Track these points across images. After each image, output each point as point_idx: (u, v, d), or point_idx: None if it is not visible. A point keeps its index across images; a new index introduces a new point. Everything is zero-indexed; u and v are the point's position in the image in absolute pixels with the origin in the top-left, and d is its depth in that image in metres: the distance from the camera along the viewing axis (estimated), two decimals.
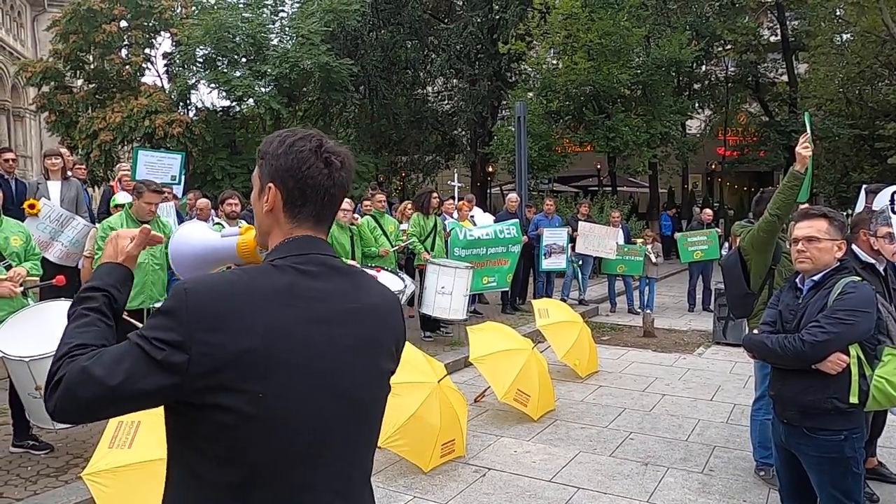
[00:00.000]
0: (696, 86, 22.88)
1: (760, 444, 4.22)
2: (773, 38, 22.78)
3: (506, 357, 5.42)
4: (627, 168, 18.92)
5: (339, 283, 1.29)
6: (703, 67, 23.09)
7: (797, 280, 2.93)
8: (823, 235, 2.78)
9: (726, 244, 10.66)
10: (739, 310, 4.19)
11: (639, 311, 10.66)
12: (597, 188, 21.72)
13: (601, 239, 10.50)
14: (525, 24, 17.45)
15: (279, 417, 1.17)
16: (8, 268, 4.26)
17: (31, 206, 6.05)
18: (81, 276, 5.50)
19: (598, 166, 22.25)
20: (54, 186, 6.59)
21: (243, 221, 6.65)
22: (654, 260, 10.55)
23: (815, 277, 2.81)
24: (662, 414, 5.68)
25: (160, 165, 8.26)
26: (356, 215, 7.48)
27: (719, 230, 11.45)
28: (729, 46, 21.72)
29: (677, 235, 11.17)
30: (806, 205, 3.52)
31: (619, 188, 21.31)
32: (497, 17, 19.43)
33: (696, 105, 22.70)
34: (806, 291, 2.85)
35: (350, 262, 6.83)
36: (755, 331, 3.29)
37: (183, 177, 8.60)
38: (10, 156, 6.80)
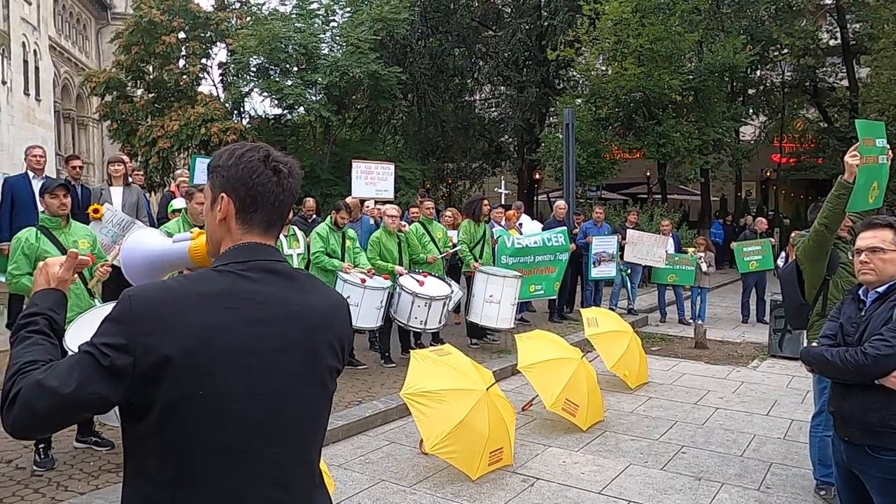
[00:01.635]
0: (750, 91, 22.31)
1: (820, 461, 4.07)
2: (832, 42, 22.03)
3: (554, 366, 5.37)
4: (678, 175, 18.56)
5: (279, 286, 1.34)
6: (759, 72, 22.48)
7: (860, 291, 2.82)
8: (888, 246, 2.68)
9: (783, 254, 10.34)
10: (796, 320, 4.15)
11: (689, 321, 10.43)
12: (646, 196, 21.38)
13: (650, 247, 10.32)
14: (574, 30, 17.34)
15: (214, 415, 1.24)
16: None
17: (96, 211, 6.30)
18: None
19: (648, 173, 21.90)
20: (116, 192, 6.84)
21: (295, 228, 6.79)
22: (704, 269, 10.30)
23: (880, 289, 2.70)
24: (716, 428, 5.53)
25: None
26: (403, 222, 7.54)
27: (773, 240, 11.12)
28: (785, 51, 21.09)
29: (734, 245, 10.87)
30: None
31: (669, 196, 20.91)
32: (545, 23, 19.38)
33: (751, 111, 22.15)
34: (869, 304, 2.74)
35: (398, 268, 6.92)
36: (814, 343, 3.18)
37: None
38: (77, 163, 7.11)
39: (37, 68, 26.76)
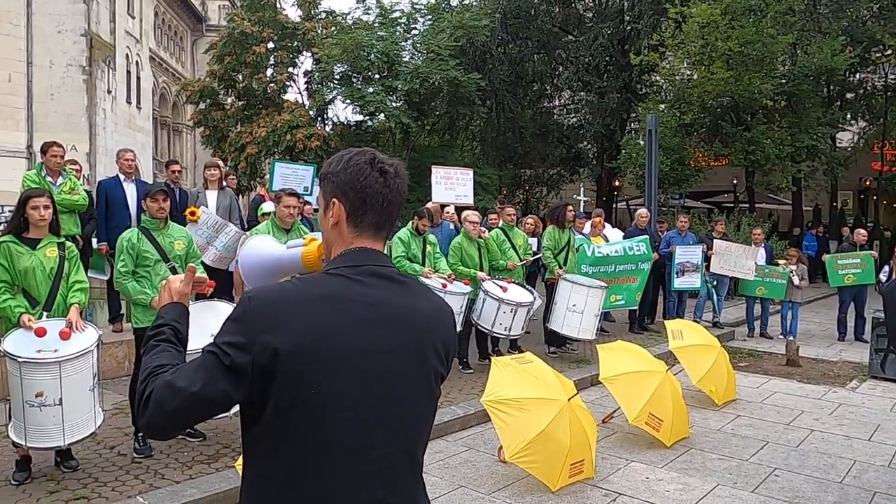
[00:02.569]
0: (849, 95, 21.02)
1: None
2: None
3: (638, 378, 5.22)
4: (768, 184, 17.72)
5: (388, 289, 1.38)
6: (858, 75, 21.13)
7: None
8: None
9: (886, 268, 9.68)
10: None
11: (772, 336, 9.93)
12: (732, 204, 20.50)
13: (738, 258, 9.88)
14: (659, 34, 16.88)
15: (326, 415, 1.28)
16: (172, 269, 4.67)
17: (192, 214, 6.63)
18: (234, 278, 5.92)
19: (735, 181, 21.00)
20: (211, 195, 7.17)
21: None
22: (797, 283, 9.77)
23: None
24: (811, 451, 5.22)
25: (294, 177, 8.75)
26: (483, 228, 7.53)
27: (874, 253, 10.42)
28: (889, 52, 19.77)
29: (826, 257, 10.27)
30: None
31: (757, 205, 19.99)
32: (629, 28, 18.97)
33: (849, 116, 20.86)
34: None
35: (481, 273, 6.92)
36: None
37: (314, 188, 9.02)
38: (176, 167, 7.50)
39: (138, 78, 28.54)
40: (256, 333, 1.25)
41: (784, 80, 15.74)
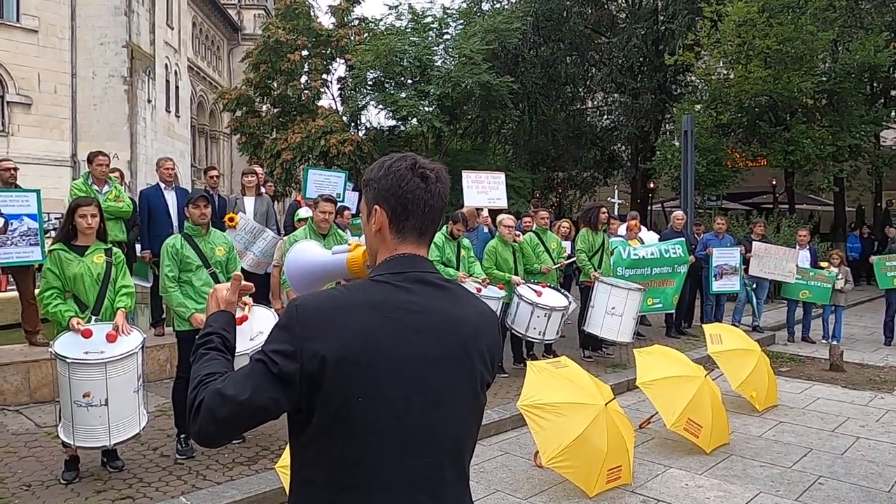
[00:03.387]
0: (893, 92, 20.43)
1: None
2: None
3: (676, 383, 5.15)
4: (809, 184, 17.31)
5: (433, 296, 1.38)
6: None
7: None
8: None
9: None
10: None
11: (814, 340, 9.68)
12: (771, 206, 20.07)
13: (778, 261, 9.67)
14: (694, 33, 16.64)
15: (372, 422, 1.28)
16: (212, 275, 4.77)
17: (231, 220, 6.77)
18: (271, 283, 6.02)
19: (774, 182, 20.56)
20: (249, 202, 7.30)
21: None
22: (839, 286, 9.51)
23: None
24: (857, 459, 5.08)
25: (327, 183, 8.84)
26: (518, 232, 7.51)
27: None
28: None
29: (874, 259, 9.98)
30: None
31: (797, 206, 19.53)
32: (663, 28, 18.75)
33: (893, 114, 20.25)
34: None
35: (515, 277, 6.91)
36: None
37: (345, 194, 9.09)
38: (214, 173, 7.67)
39: (177, 87, 29.21)
40: (304, 341, 1.27)
41: (825, 78, 15.38)
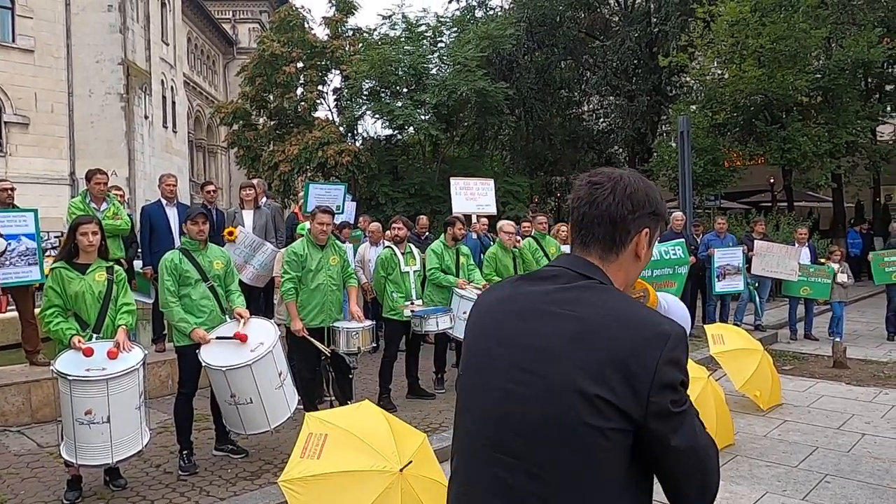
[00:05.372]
0: (888, 87, 20.46)
1: None
2: None
3: None
4: (806, 181, 17.32)
5: (561, 290, 1.31)
6: None
7: None
8: None
9: None
10: None
11: (817, 338, 9.67)
12: (770, 204, 20.08)
13: (781, 259, 9.66)
14: (687, 34, 16.70)
15: (465, 408, 1.38)
16: (211, 288, 4.78)
17: (230, 234, 6.77)
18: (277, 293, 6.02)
19: (772, 180, 20.57)
20: (248, 215, 7.31)
21: (411, 245, 6.93)
22: (841, 280, 9.51)
23: None
24: (864, 456, 5.06)
25: (327, 196, 8.84)
26: (518, 237, 7.51)
27: None
28: None
29: (871, 254, 9.98)
30: None
31: (796, 203, 19.54)
32: (656, 30, 18.81)
33: (889, 108, 20.28)
34: None
35: None
36: None
37: (345, 206, 9.09)
38: (211, 188, 7.68)
39: (173, 103, 29.29)
40: None
41: (819, 76, 15.41)
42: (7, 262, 5.99)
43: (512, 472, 1.25)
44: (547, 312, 1.28)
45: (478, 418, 1.32)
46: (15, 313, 6.40)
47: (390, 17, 18.16)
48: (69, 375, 3.88)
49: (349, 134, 18.16)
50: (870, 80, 18.23)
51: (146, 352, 4.34)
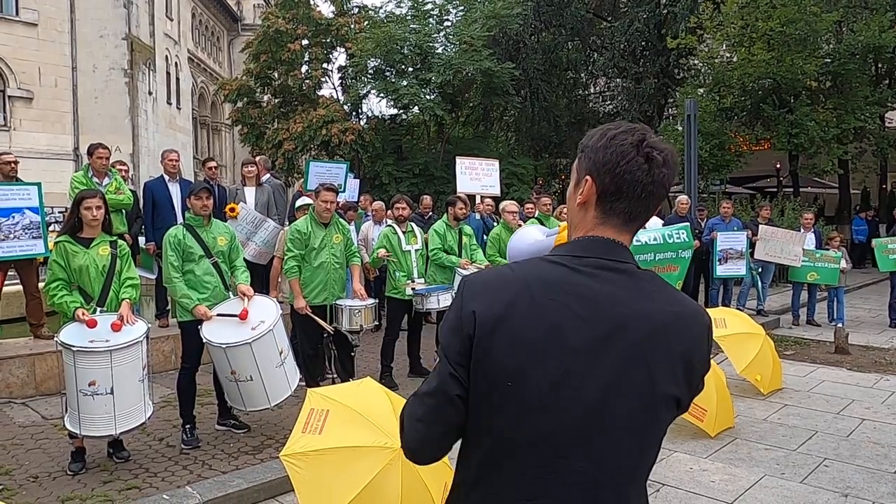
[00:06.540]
0: None
1: None
2: None
3: None
4: (813, 167, 17.21)
5: (615, 285, 1.22)
6: None
7: None
8: None
9: None
10: None
11: (819, 323, 9.66)
12: (775, 189, 19.98)
13: (785, 244, 9.63)
14: (696, 16, 16.50)
15: (519, 406, 1.19)
16: (215, 264, 4.78)
17: (232, 210, 6.76)
18: (271, 273, 6.03)
19: (778, 165, 20.45)
20: (250, 192, 7.30)
21: (413, 224, 6.91)
22: (841, 266, 9.50)
23: None
24: (863, 441, 5.08)
25: (329, 175, 8.81)
26: (521, 221, 7.50)
27: None
28: None
29: (874, 242, 9.95)
30: None
31: (801, 189, 19.44)
32: (665, 11, 18.59)
33: None
34: None
35: None
36: None
37: (347, 184, 9.05)
38: (212, 164, 7.68)
39: (177, 79, 29.16)
40: (463, 306, 1.23)
41: (829, 60, 15.25)
42: (11, 235, 6.00)
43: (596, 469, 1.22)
44: (612, 311, 1.22)
45: (560, 419, 1.21)
46: (19, 287, 6.42)
47: None
48: (73, 346, 3.90)
49: (353, 113, 18.08)
50: (880, 65, 18.03)
51: (149, 325, 4.35)
